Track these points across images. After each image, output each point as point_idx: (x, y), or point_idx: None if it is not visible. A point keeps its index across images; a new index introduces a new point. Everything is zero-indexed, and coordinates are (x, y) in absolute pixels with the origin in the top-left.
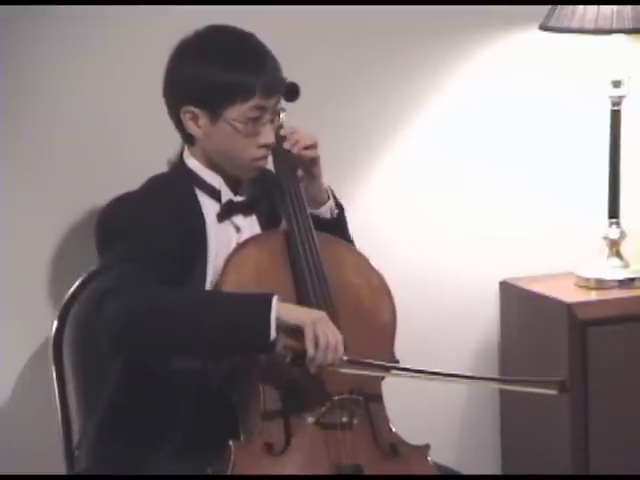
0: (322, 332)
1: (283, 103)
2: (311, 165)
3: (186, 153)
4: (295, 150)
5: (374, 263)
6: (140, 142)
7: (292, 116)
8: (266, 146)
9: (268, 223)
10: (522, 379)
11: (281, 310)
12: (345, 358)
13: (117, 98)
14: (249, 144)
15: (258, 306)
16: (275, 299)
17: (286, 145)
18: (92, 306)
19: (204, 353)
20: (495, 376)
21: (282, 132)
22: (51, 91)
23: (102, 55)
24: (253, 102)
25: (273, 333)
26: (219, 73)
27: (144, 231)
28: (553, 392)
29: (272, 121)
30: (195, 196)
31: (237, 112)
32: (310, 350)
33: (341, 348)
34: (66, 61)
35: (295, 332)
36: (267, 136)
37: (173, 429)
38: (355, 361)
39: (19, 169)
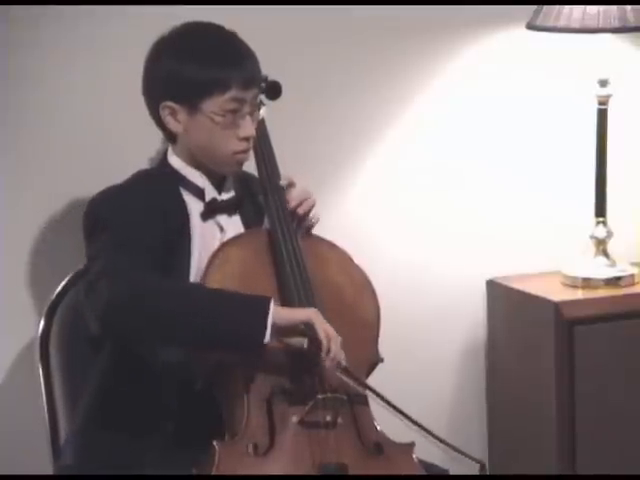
0: (328, 325)
1: (265, 101)
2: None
3: (170, 152)
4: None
5: (361, 263)
6: (135, 141)
7: (278, 116)
8: (246, 139)
9: (252, 223)
10: (451, 444)
11: (280, 312)
12: (344, 363)
13: (113, 97)
14: (229, 137)
15: (256, 308)
16: (272, 302)
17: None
18: (82, 291)
19: (193, 347)
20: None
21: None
22: (49, 91)
23: (102, 55)
24: (230, 94)
25: (267, 336)
26: (195, 67)
27: (131, 221)
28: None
29: (252, 114)
30: (180, 195)
31: (214, 104)
32: (325, 341)
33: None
34: (65, 61)
35: (296, 330)
36: (247, 129)
37: (158, 427)
38: (349, 371)
39: (7, 167)
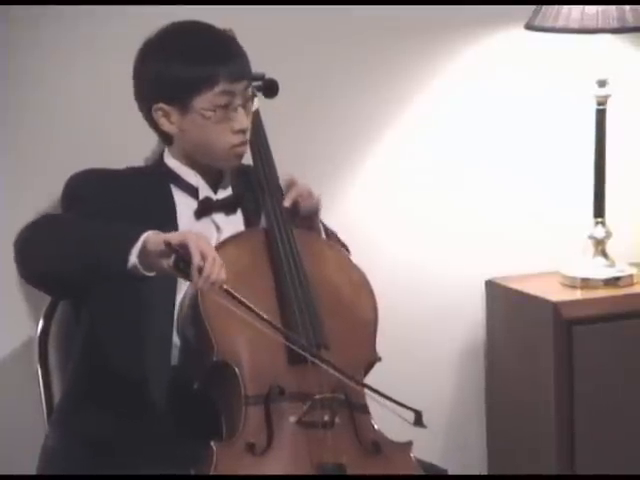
0: (207, 246)
1: (262, 100)
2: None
3: (166, 153)
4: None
5: (360, 263)
6: (135, 142)
7: (277, 116)
8: (241, 131)
9: (254, 219)
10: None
11: (155, 236)
12: (225, 286)
13: (113, 97)
14: (223, 131)
15: (128, 231)
16: (151, 231)
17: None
18: None
19: (77, 275)
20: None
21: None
22: (49, 91)
23: (102, 55)
24: (218, 88)
25: (134, 257)
26: (180, 65)
27: (109, 208)
28: (410, 418)
29: (244, 106)
30: (169, 193)
31: (205, 100)
32: (196, 258)
33: (224, 270)
34: (65, 61)
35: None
36: (240, 121)
37: (153, 427)
38: (231, 293)
39: (7, 167)
